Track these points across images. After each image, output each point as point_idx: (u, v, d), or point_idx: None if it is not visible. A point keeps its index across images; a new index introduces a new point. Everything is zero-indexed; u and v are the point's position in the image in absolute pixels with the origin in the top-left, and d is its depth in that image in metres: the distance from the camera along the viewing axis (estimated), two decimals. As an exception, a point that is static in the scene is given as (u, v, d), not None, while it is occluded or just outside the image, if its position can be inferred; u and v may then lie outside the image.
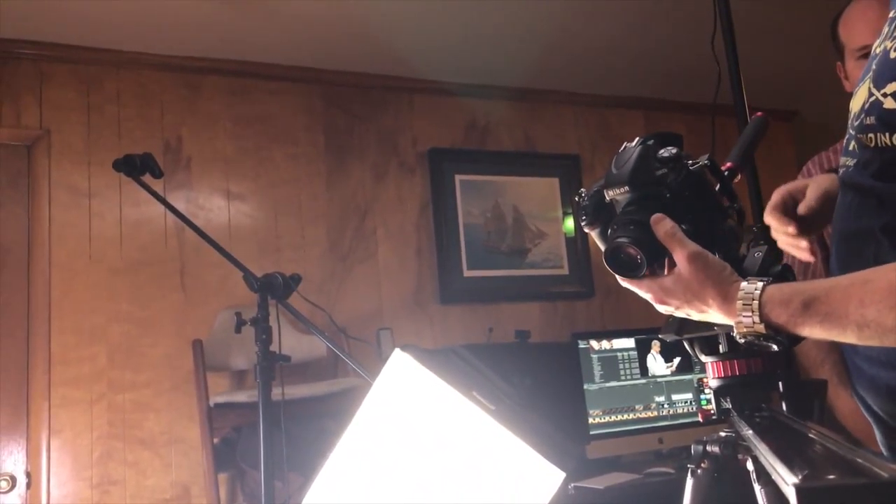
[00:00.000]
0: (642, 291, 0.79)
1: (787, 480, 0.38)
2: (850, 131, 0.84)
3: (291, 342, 2.82)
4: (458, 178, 3.55)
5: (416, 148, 3.52)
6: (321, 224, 3.28)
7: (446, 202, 3.49)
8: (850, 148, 0.83)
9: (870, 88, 0.79)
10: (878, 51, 0.81)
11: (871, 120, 0.76)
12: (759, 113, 0.99)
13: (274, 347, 1.88)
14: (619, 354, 2.94)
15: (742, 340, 0.74)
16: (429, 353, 1.00)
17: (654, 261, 0.78)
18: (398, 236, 3.41)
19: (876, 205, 0.76)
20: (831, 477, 0.38)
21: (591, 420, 2.84)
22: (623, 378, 2.92)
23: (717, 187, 0.81)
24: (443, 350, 1.06)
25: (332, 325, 2.64)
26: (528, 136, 3.71)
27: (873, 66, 0.80)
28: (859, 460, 0.42)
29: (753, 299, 0.73)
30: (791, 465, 0.42)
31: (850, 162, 0.83)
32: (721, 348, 0.82)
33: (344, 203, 3.34)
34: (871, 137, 0.76)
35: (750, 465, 0.70)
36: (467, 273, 3.47)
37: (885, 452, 0.91)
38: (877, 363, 0.85)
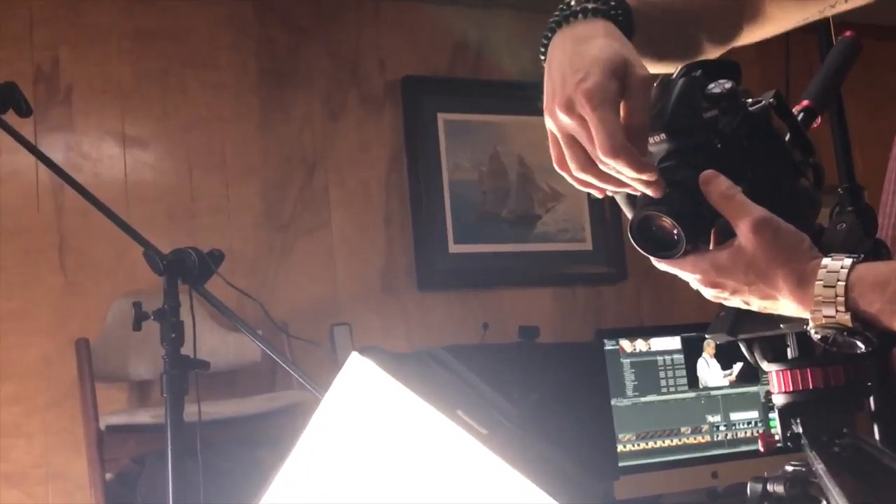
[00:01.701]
0: (686, 272, 0.80)
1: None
2: None
3: (212, 343, 2.82)
4: (441, 117, 3.54)
5: (384, 76, 3.50)
6: (253, 180, 3.27)
7: (426, 151, 3.49)
8: None
9: None
10: None
11: None
12: (847, 32, 1.00)
13: (187, 350, 1.88)
14: (659, 359, 2.96)
15: (818, 337, 0.75)
16: (400, 358, 1.01)
17: (697, 237, 0.79)
18: (359, 198, 3.40)
19: None
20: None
21: (620, 447, 2.87)
22: (665, 391, 2.95)
23: (788, 135, 0.82)
24: (419, 354, 1.07)
25: (269, 319, 2.64)
26: (539, 60, 3.70)
27: None
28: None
29: (839, 280, 0.73)
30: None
31: None
32: (790, 352, 0.83)
33: (284, 152, 3.33)
34: None
35: (824, 511, 0.72)
36: (454, 248, 3.48)
37: None
38: None
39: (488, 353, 3.03)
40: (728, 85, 0.79)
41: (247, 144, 3.28)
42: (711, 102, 0.79)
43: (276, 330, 2.80)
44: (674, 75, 0.81)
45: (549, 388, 2.82)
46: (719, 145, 0.78)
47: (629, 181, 0.80)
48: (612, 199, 0.86)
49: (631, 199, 0.84)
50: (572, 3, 0.85)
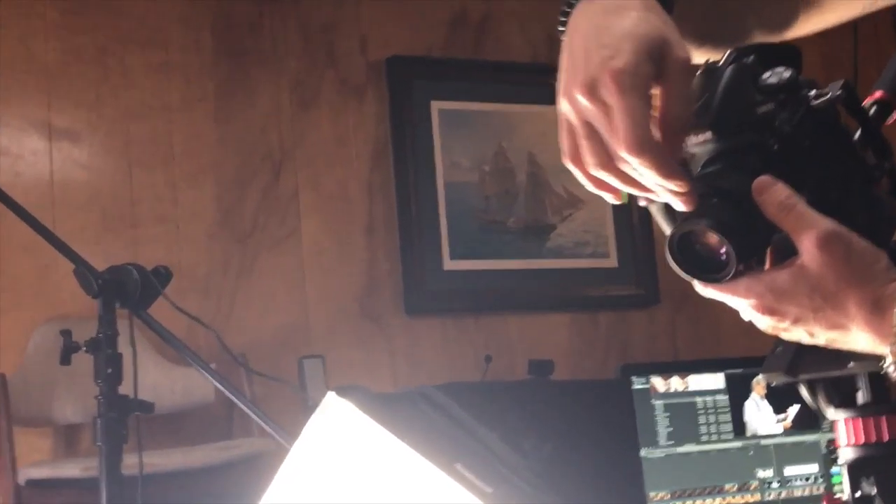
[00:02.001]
0: (737, 298, 0.80)
1: None
2: None
3: (156, 380, 2.81)
4: (435, 105, 3.54)
5: (366, 55, 3.50)
6: (207, 182, 3.27)
7: (417, 146, 3.49)
8: None
9: None
10: None
11: None
12: (931, 10, 1.00)
13: (127, 388, 1.87)
14: (699, 400, 2.96)
15: None
16: (385, 399, 1.02)
17: (750, 255, 0.79)
18: (336, 203, 3.40)
19: None
20: None
21: (652, 509, 2.87)
22: (705, 439, 2.94)
23: (858, 134, 0.83)
24: (408, 394, 1.07)
25: (225, 351, 2.64)
26: (554, 36, 3.69)
27: None
28: None
29: None
30: None
31: None
32: (860, 397, 0.84)
33: (246, 147, 3.33)
34: None
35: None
36: (450, 265, 3.48)
37: None
38: None
39: (492, 392, 3.03)
40: (787, 74, 0.79)
41: (200, 138, 3.28)
42: (767, 95, 0.79)
43: (233, 364, 2.80)
44: (721, 61, 0.81)
45: (565, 435, 2.81)
46: (776, 146, 0.79)
47: (654, 187, 0.80)
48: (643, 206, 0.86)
49: (669, 209, 0.84)
50: None
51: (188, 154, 3.26)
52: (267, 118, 3.36)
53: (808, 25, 1.02)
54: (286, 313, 3.27)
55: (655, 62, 0.79)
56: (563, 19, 0.87)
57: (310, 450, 1.01)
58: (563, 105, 0.82)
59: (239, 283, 3.24)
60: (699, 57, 0.91)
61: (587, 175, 0.84)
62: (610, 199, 0.85)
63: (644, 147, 0.77)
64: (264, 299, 3.25)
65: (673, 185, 0.79)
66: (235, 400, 1.98)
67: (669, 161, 0.78)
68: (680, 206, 0.80)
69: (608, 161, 0.81)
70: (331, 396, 1.00)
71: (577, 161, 0.83)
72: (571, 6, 0.86)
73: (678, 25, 0.87)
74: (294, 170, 3.36)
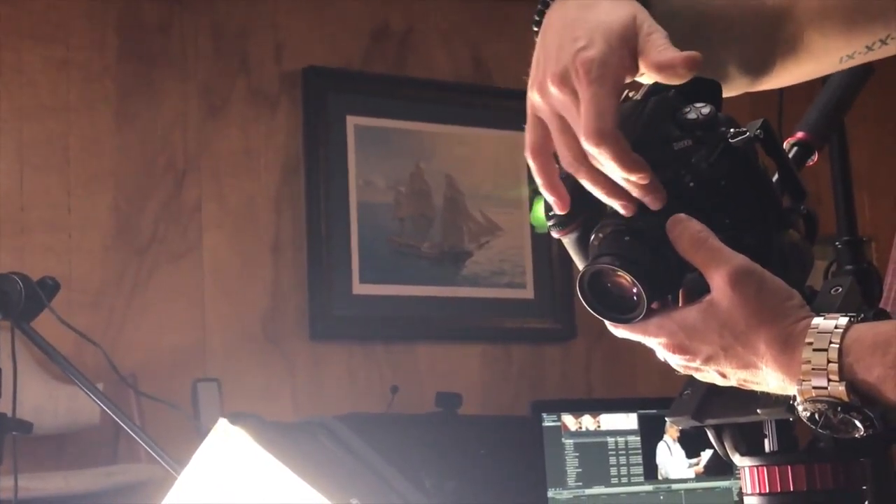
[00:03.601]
0: (649, 337, 0.81)
1: None
2: None
3: (37, 398, 2.77)
4: (351, 121, 3.54)
5: (280, 64, 3.50)
6: (104, 188, 3.23)
7: (330, 163, 3.48)
8: None
9: None
10: None
11: None
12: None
13: (5, 406, 1.85)
14: (610, 440, 2.99)
15: (806, 415, 0.77)
16: (281, 428, 1.02)
17: (661, 296, 0.80)
18: (241, 218, 3.38)
19: None
20: None
21: (558, 553, 2.88)
22: (615, 482, 2.97)
23: (776, 175, 0.85)
24: (307, 424, 1.07)
25: (113, 371, 2.60)
26: (479, 56, 3.74)
27: None
28: None
29: (832, 343, 0.74)
30: None
31: None
32: (767, 445, 0.85)
33: (147, 153, 3.29)
34: None
35: None
36: (359, 289, 3.47)
37: None
38: None
39: (396, 425, 3.02)
40: (706, 110, 0.81)
41: (99, 142, 3.24)
42: (684, 131, 0.81)
43: (122, 384, 2.76)
44: (639, 93, 0.83)
45: (469, 473, 2.82)
46: (692, 184, 0.80)
47: (620, 182, 0.81)
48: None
49: (582, 243, 0.85)
50: None
51: (85, 159, 3.22)
52: (172, 125, 3.33)
53: (785, 75, 1.04)
54: (182, 332, 3.23)
55: (630, 50, 0.82)
56: (536, 18, 0.89)
57: (198, 479, 1.00)
58: (535, 97, 0.85)
59: (133, 298, 3.20)
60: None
61: (543, 171, 0.85)
62: (555, 207, 0.86)
63: (604, 136, 0.79)
64: (159, 317, 3.22)
65: (634, 178, 0.80)
66: (121, 423, 1.96)
67: (630, 153, 0.80)
68: (647, 202, 0.81)
69: (582, 157, 0.82)
70: (223, 424, 0.99)
71: (537, 153, 0.85)
72: (547, 5, 0.89)
73: None
74: (198, 181, 3.34)
